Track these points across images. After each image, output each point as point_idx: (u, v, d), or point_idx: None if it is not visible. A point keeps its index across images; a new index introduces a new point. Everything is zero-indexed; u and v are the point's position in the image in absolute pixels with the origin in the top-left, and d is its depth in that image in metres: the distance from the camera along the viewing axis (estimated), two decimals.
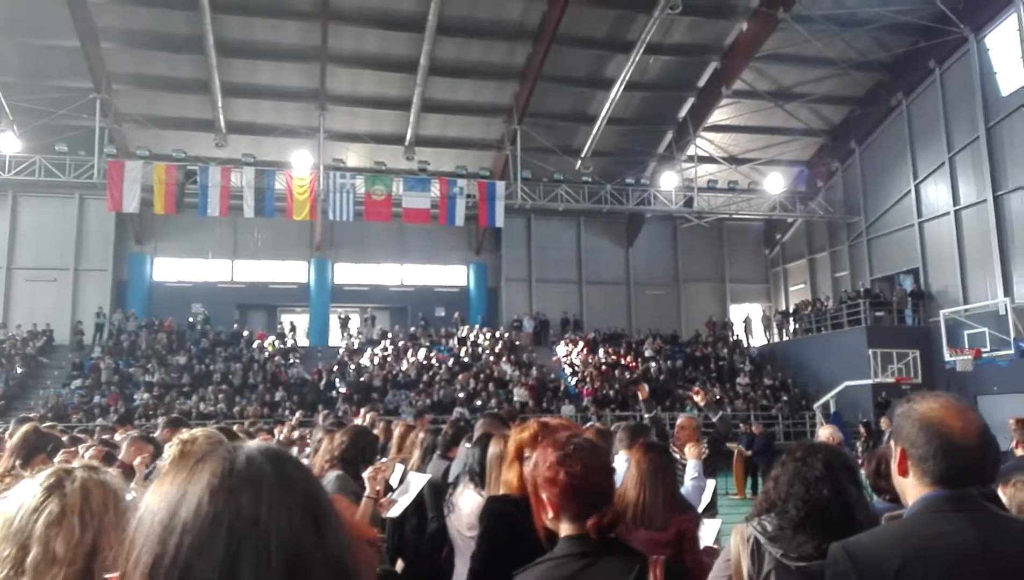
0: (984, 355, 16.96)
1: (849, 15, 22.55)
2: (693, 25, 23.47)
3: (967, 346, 17.49)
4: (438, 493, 4.52)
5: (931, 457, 1.60)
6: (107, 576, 1.35)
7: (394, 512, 4.17)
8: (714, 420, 6.52)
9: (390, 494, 4.48)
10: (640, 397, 6.96)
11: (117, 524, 1.46)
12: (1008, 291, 21.36)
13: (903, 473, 1.67)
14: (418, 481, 4.40)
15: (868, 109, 26.74)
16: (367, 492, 3.65)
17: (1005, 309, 17.17)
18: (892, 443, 1.75)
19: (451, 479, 4.22)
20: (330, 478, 3.98)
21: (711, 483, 4.93)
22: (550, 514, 1.93)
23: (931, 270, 25.13)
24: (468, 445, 3.92)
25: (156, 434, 5.83)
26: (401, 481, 4.70)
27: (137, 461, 4.73)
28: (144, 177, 22.86)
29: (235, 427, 8.78)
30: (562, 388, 24.97)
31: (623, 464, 4.01)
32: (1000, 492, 2.81)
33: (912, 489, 1.65)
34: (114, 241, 27.12)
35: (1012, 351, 16.22)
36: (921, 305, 24.95)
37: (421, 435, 5.80)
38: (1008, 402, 18.79)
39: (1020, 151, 21.77)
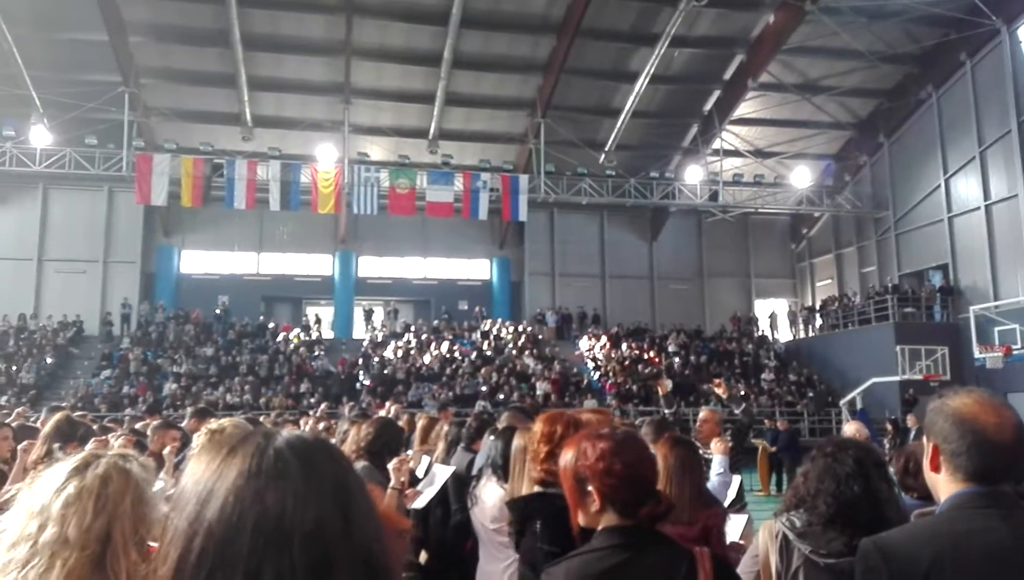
0: (1015, 352, 16.68)
1: (878, 7, 22.20)
2: (719, 17, 23.24)
3: (997, 343, 17.21)
4: (462, 485, 4.54)
5: (964, 452, 1.58)
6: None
7: (419, 503, 4.19)
8: (737, 412, 6.39)
9: (415, 486, 4.50)
10: (660, 392, 6.79)
11: (133, 514, 1.48)
12: None
13: (935, 469, 1.65)
14: (443, 473, 4.42)
15: (897, 102, 26.34)
16: (392, 483, 3.68)
17: None
18: (924, 439, 1.72)
19: (475, 472, 4.23)
20: (357, 469, 4.02)
21: (736, 478, 4.90)
22: (596, 506, 1.90)
23: (960, 266, 24.74)
24: (492, 438, 3.93)
25: (183, 424, 5.91)
26: (426, 473, 4.72)
27: (167, 450, 4.80)
28: (172, 170, 23.11)
29: (261, 418, 8.89)
30: (585, 382, 24.94)
31: None
32: None
33: (944, 485, 1.63)
34: (142, 233, 27.48)
35: None
36: (950, 301, 24.59)
37: (445, 427, 5.83)
38: None
39: None
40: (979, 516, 1.52)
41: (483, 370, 24.37)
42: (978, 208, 23.98)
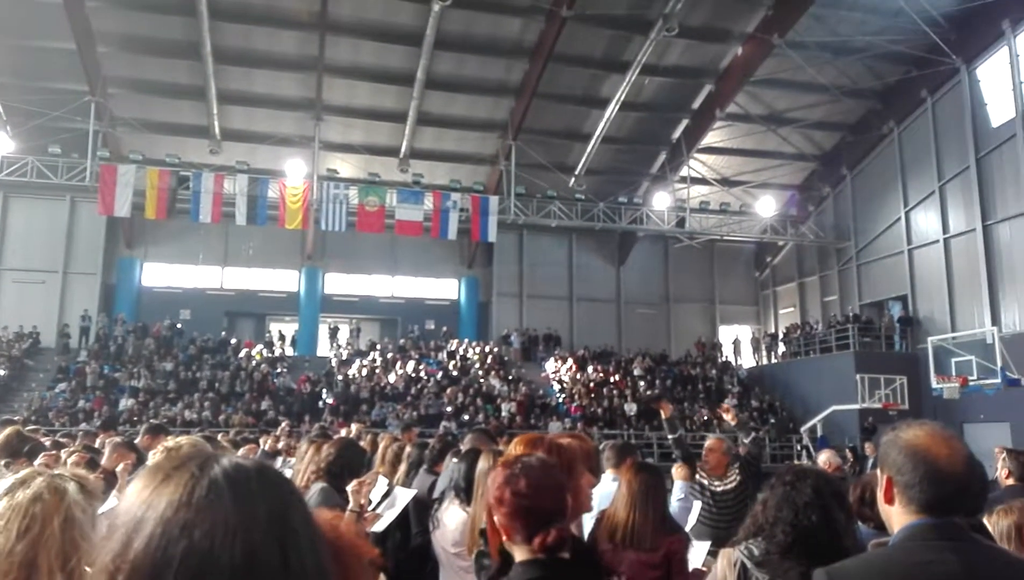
0: (971, 383, 17.04)
1: (842, 43, 22.81)
2: (688, 48, 23.68)
3: (954, 374, 17.58)
4: (423, 508, 4.50)
5: (917, 484, 1.60)
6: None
7: (378, 527, 4.13)
8: (745, 442, 6.01)
9: (373, 508, 4.45)
10: (662, 415, 6.16)
11: (62, 538, 1.40)
12: (996, 320, 21.52)
13: (889, 501, 1.68)
14: (404, 496, 4.37)
15: (860, 136, 26.99)
16: (350, 506, 3.62)
17: (992, 338, 17.27)
18: (878, 470, 1.75)
19: (437, 494, 4.19)
20: (314, 490, 3.96)
21: (698, 504, 4.92)
22: (504, 537, 1.86)
23: (919, 297, 25.29)
24: (455, 460, 3.90)
25: (136, 441, 5.78)
26: (386, 495, 4.67)
27: (119, 468, 4.69)
28: (136, 181, 22.76)
29: (219, 436, 8.72)
30: (551, 404, 24.93)
31: (611, 484, 4.00)
32: (986, 522, 2.83)
33: (898, 516, 1.66)
34: (104, 245, 26.97)
35: (999, 380, 16.31)
36: (909, 332, 25.10)
37: (408, 449, 5.78)
38: (994, 431, 18.91)
39: (1010, 181, 22.01)
40: (931, 548, 1.54)
41: (448, 390, 24.24)
42: (937, 241, 24.58)
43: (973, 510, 2.41)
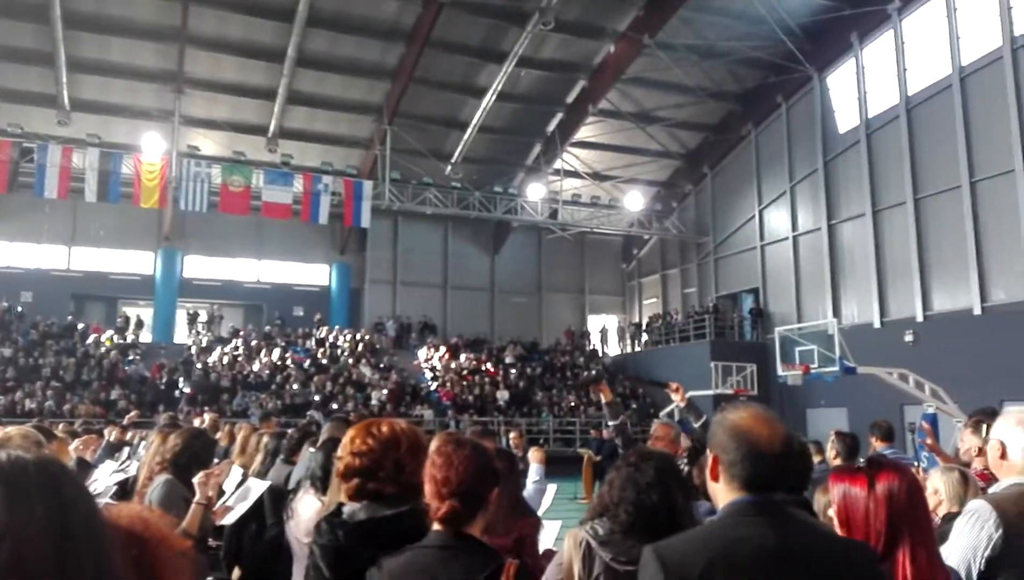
0: (812, 371, 18.34)
1: (708, 46, 23.89)
2: (564, 43, 24.09)
3: (798, 362, 18.88)
4: (279, 499, 4.37)
5: (739, 462, 1.70)
6: None
7: (228, 519, 3.98)
8: (696, 426, 5.37)
9: (225, 499, 4.28)
10: (603, 399, 5.62)
11: None
12: (836, 312, 23.31)
13: (715, 478, 1.77)
14: (257, 487, 4.23)
15: (721, 136, 28.41)
16: (197, 498, 3.47)
17: (833, 329, 18.66)
18: (708, 450, 1.84)
19: (293, 485, 4.08)
20: (158, 483, 3.76)
21: (552, 486, 5.03)
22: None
23: (770, 290, 26.97)
24: (312, 450, 3.81)
25: None
26: (239, 486, 4.50)
27: None
28: None
29: (61, 426, 8.12)
30: (422, 392, 24.84)
31: None
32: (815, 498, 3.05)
33: (722, 493, 1.75)
34: None
35: (837, 368, 17.64)
36: (760, 322, 26.72)
37: (265, 439, 5.59)
38: (833, 415, 20.51)
39: (853, 184, 23.80)
40: (750, 523, 1.64)
41: (316, 379, 23.66)
42: (787, 238, 26.27)
43: (794, 487, 2.59)
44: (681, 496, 2.48)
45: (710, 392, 22.29)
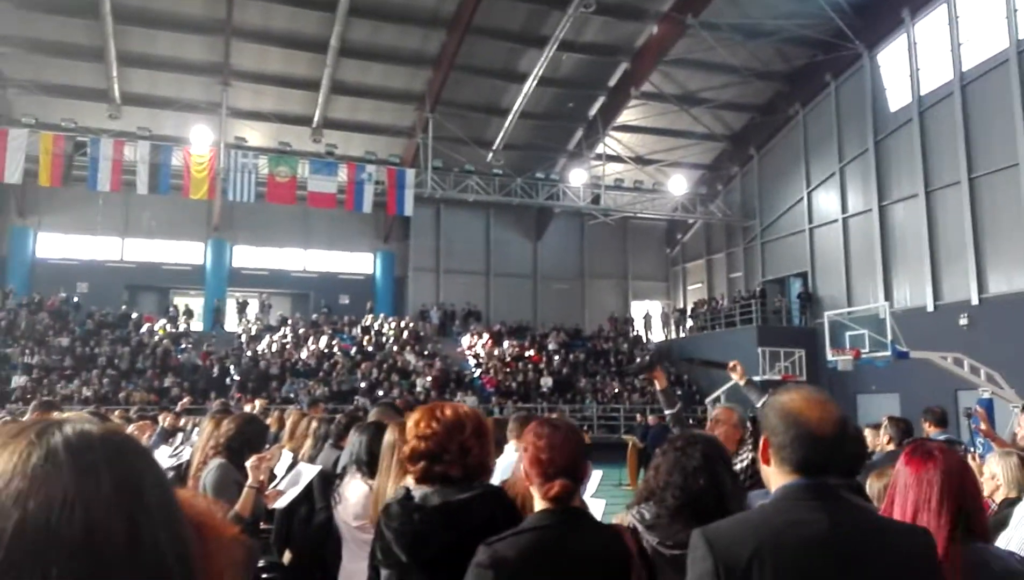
0: (863, 356, 17.94)
1: (753, 26, 23.38)
2: (605, 25, 23.83)
3: (848, 347, 18.50)
4: (327, 483, 4.43)
5: (789, 445, 1.67)
6: None
7: (280, 503, 4.05)
8: (758, 405, 4.87)
9: (276, 483, 4.36)
10: (657, 386, 5.24)
11: None
12: (888, 296, 22.75)
13: (766, 461, 1.74)
14: (308, 472, 4.29)
15: (767, 117, 27.85)
16: (249, 481, 3.54)
17: (884, 313, 18.22)
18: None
19: (340, 469, 4.13)
20: (212, 467, 3.84)
21: (598, 472, 5.00)
22: (527, 483, 2.18)
23: (819, 274, 26.43)
24: (356, 434, 3.86)
25: (25, 418, 5.48)
26: (289, 471, 4.58)
27: None
28: (29, 147, 21.43)
29: (116, 413, 8.38)
30: (466, 379, 25.00)
31: (513, 454, 4.04)
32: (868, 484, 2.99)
33: (774, 477, 1.72)
34: None
35: (889, 353, 17.23)
36: (808, 307, 26.23)
37: (314, 424, 5.68)
38: (885, 401, 20.07)
39: (905, 164, 23.14)
40: (802, 507, 1.61)
41: (363, 366, 23.97)
42: (836, 220, 25.69)
43: (847, 471, 2.54)
44: (729, 480, 2.45)
45: (757, 378, 21.94)
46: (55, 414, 4.74)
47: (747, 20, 23.20)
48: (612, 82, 26.18)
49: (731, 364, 5.37)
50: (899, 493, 1.98)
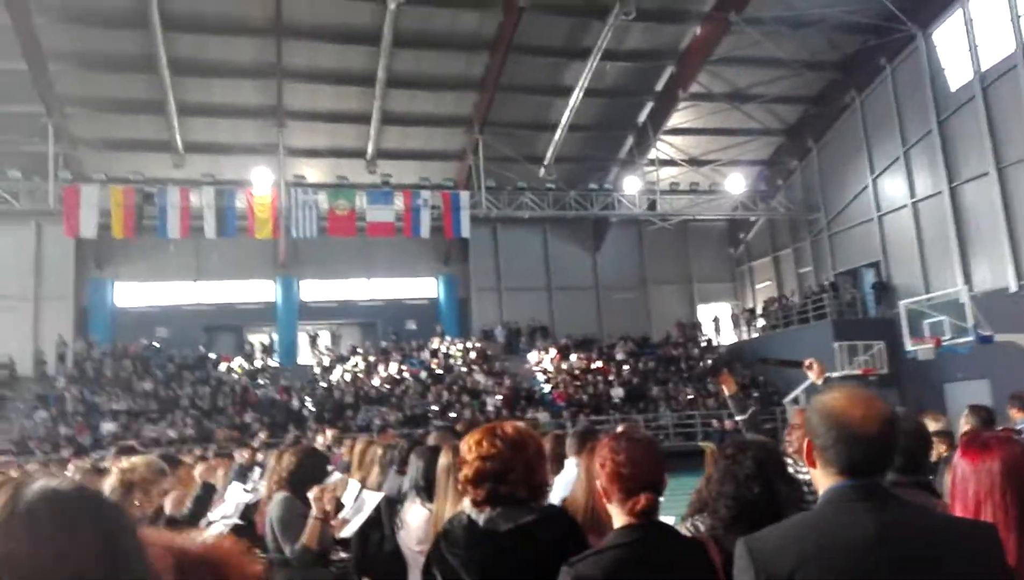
0: (944, 343, 17.22)
1: (799, 16, 22.86)
2: (647, 30, 23.68)
3: (928, 335, 17.77)
4: (394, 509, 4.48)
5: (832, 446, 1.61)
6: None
7: (347, 532, 4.11)
8: (738, 419, 4.90)
9: (343, 513, 4.42)
10: (725, 391, 4.98)
11: None
12: (967, 279, 21.79)
13: (811, 464, 1.68)
14: (372, 499, 4.35)
15: (823, 108, 27.15)
16: (313, 513, 3.60)
17: (964, 297, 17.46)
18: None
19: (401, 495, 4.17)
20: (276, 501, 3.92)
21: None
22: (604, 500, 2.14)
23: (892, 262, 25.53)
24: (414, 458, 3.89)
25: (105, 463, 5.70)
26: (356, 499, 4.64)
27: None
28: (101, 201, 22.50)
29: (191, 453, 8.63)
30: (536, 396, 24.96)
31: (574, 470, 4.00)
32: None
33: (821, 480, 1.66)
34: (74, 267, 26.62)
35: (971, 338, 16.49)
36: (884, 297, 25.33)
37: (379, 451, 5.74)
38: (973, 388, 19.14)
39: (971, 142, 22.23)
40: (848, 510, 1.54)
41: (433, 389, 24.20)
42: (905, 206, 24.80)
43: (912, 468, 2.43)
44: (784, 486, 2.37)
45: (836, 374, 21.25)
46: (132, 457, 4.92)
47: (791, 11, 22.68)
48: (659, 87, 25.96)
49: (807, 362, 5.18)
50: (958, 487, 1.88)
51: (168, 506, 3.70)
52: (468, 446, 2.35)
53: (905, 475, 2.35)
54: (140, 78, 22.52)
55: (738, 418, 4.92)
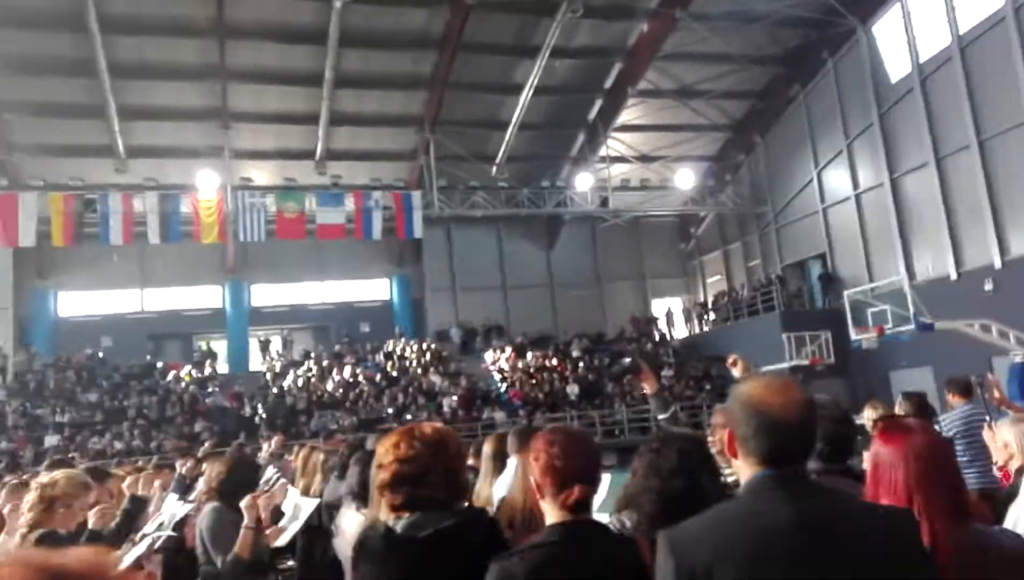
0: (888, 332, 17.65)
1: (744, 11, 23.15)
2: (595, 27, 23.78)
3: (871, 324, 18.19)
4: (334, 515, 4.38)
5: (752, 436, 1.58)
6: None
7: (282, 540, 4.00)
8: (660, 417, 4.76)
9: (282, 521, 4.31)
10: (647, 390, 4.85)
11: None
12: (909, 268, 22.38)
13: (733, 454, 1.65)
14: (307, 506, 4.24)
15: (768, 102, 27.61)
16: (245, 522, 3.49)
17: (904, 286, 17.93)
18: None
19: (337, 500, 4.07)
20: (205, 511, 3.79)
21: (606, 477, 4.87)
22: (537, 496, 2.08)
23: (837, 253, 26.09)
24: (352, 464, 3.79)
25: (39, 479, 5.47)
26: (294, 506, 4.52)
27: (7, 509, 4.43)
28: (40, 209, 21.78)
29: (140, 463, 8.36)
30: (492, 395, 24.90)
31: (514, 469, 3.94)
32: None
33: (742, 470, 1.64)
34: (13, 277, 25.68)
35: (912, 326, 16.92)
36: (831, 288, 25.86)
37: (321, 457, 5.62)
38: (917, 375, 19.68)
39: (912, 134, 22.81)
40: (766, 499, 1.52)
41: (388, 392, 23.97)
42: (848, 198, 25.35)
43: (836, 455, 2.43)
44: (708, 479, 2.33)
45: (785, 365, 21.67)
46: (69, 469, 4.73)
47: (737, 7, 22.98)
48: (608, 84, 26.10)
49: (730, 359, 4.89)
50: (878, 473, 1.87)
51: (92, 521, 3.55)
52: (385, 449, 2.25)
53: (829, 463, 2.34)
54: (79, 82, 21.83)
55: (660, 417, 4.75)
